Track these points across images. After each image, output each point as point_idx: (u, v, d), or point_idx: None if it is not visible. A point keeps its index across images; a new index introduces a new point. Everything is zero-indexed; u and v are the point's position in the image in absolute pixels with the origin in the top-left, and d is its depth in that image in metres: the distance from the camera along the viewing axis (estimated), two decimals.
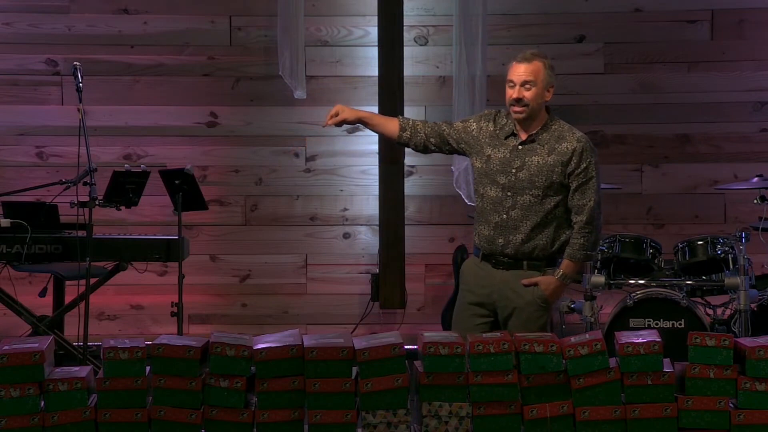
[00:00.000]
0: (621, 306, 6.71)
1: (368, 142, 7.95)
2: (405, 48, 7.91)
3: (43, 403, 4.37)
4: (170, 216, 6.89)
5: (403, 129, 5.54)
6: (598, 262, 6.73)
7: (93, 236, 6.36)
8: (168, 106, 8.02)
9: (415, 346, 4.57)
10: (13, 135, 7.98)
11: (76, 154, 6.49)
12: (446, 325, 7.22)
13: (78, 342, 6.51)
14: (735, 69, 8.00)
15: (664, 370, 4.43)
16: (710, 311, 6.98)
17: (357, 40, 8.07)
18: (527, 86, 5.33)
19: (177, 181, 6.68)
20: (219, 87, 8.04)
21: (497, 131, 5.44)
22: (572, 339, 4.51)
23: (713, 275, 6.84)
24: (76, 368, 4.53)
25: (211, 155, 8.05)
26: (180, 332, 6.64)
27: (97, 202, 6.40)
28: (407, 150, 7.49)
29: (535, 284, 5.36)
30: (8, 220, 6.69)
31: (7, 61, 7.94)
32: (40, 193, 6.96)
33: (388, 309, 7.99)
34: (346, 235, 8.10)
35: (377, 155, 7.93)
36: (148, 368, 4.42)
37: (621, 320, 6.63)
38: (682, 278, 6.83)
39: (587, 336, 4.52)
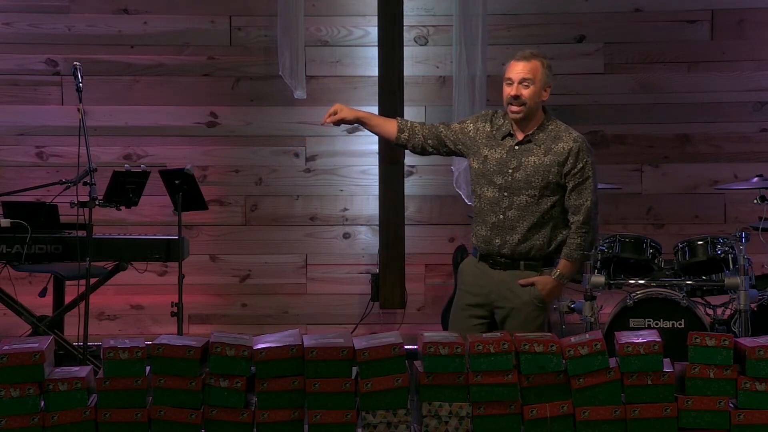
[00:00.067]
0: (621, 306, 6.70)
1: (368, 142, 7.95)
2: (405, 48, 7.90)
3: (43, 403, 4.37)
4: (170, 216, 6.89)
5: (401, 130, 5.54)
6: (598, 262, 6.73)
7: (93, 236, 6.36)
8: (168, 106, 8.01)
9: (415, 346, 4.57)
10: (13, 135, 7.98)
11: (76, 154, 6.49)
12: (446, 325, 7.20)
13: (78, 342, 6.51)
14: (735, 69, 8.00)
15: (664, 370, 4.42)
16: (710, 311, 6.97)
17: (357, 40, 8.07)
18: (525, 84, 5.32)
19: (177, 181, 6.68)
20: (219, 87, 8.04)
21: (494, 132, 5.44)
22: (572, 339, 4.51)
23: (713, 275, 6.83)
24: (76, 368, 4.53)
25: (211, 155, 8.05)
26: (180, 332, 6.63)
27: (97, 202, 6.40)
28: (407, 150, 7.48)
29: (532, 284, 5.37)
30: (8, 220, 6.69)
31: (7, 61, 7.94)
32: (40, 193, 6.95)
33: (388, 309, 7.99)
34: (346, 235, 8.10)
35: (377, 155, 7.93)
36: (148, 368, 4.42)
37: (621, 320, 6.62)
38: (682, 278, 6.82)
39: (587, 336, 4.52)
